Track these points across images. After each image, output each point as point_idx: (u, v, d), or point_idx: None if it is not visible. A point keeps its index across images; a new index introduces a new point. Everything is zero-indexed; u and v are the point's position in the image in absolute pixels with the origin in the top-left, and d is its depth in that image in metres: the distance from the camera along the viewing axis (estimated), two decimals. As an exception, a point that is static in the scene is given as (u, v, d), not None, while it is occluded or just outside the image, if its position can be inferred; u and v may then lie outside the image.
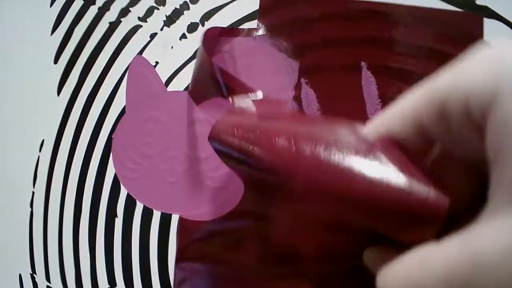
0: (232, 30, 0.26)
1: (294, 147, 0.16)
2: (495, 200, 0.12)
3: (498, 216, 0.12)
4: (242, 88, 0.24)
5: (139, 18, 0.28)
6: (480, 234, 0.12)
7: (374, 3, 0.26)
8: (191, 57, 0.27)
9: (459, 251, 0.12)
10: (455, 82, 0.13)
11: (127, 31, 0.28)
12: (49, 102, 0.28)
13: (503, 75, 0.12)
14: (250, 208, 0.25)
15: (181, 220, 0.26)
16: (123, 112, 0.27)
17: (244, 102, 0.23)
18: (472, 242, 0.12)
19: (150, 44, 0.28)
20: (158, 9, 0.28)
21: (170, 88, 0.27)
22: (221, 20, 0.27)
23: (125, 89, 0.27)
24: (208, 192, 0.26)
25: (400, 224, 0.14)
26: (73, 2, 0.29)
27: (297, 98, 0.26)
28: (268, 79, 0.26)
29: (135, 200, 0.27)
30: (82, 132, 0.28)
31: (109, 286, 0.27)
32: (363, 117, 0.25)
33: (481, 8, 0.26)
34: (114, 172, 0.27)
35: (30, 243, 0.28)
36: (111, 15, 0.28)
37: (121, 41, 0.28)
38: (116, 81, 0.28)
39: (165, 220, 0.26)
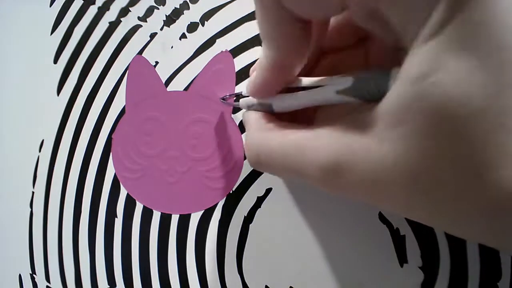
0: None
1: None
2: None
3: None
4: None
5: (139, 18, 0.28)
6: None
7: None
8: (191, 57, 0.27)
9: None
10: None
11: (127, 31, 0.28)
12: (49, 102, 0.28)
13: None
14: None
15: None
16: (123, 112, 0.27)
17: None
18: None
19: (150, 44, 0.27)
20: (158, 8, 0.28)
21: (170, 88, 0.27)
22: (221, 20, 0.27)
23: (125, 89, 0.27)
24: (207, 192, 0.26)
25: None
26: (73, 2, 0.29)
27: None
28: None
29: (135, 200, 0.27)
30: (82, 132, 0.28)
31: (108, 286, 0.27)
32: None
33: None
34: (114, 172, 0.27)
35: (30, 243, 0.28)
36: (111, 15, 0.28)
37: (121, 41, 0.28)
38: (116, 81, 0.28)
39: (165, 220, 0.26)
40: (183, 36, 0.27)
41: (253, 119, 0.19)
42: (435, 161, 0.11)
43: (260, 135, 0.18)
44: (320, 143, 0.14)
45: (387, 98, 0.13)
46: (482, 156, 0.11)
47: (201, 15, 0.27)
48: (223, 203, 0.26)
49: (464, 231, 0.13)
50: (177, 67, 0.27)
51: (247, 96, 0.21)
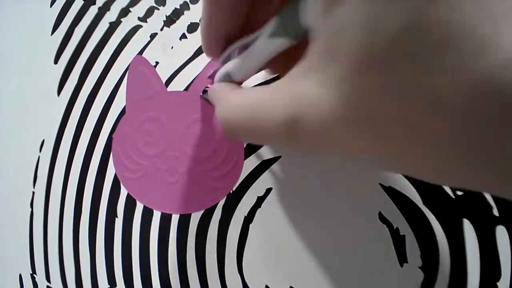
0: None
1: None
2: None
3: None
4: None
5: (139, 18, 0.28)
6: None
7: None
8: (191, 57, 0.27)
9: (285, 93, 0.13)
10: None
11: (127, 31, 0.28)
12: (49, 102, 0.28)
13: None
14: None
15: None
16: (123, 112, 0.27)
17: None
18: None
19: (150, 44, 0.28)
20: (158, 9, 0.28)
21: (170, 88, 0.27)
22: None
23: (125, 89, 0.27)
24: (207, 192, 0.26)
25: None
26: (73, 2, 0.29)
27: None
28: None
29: (135, 200, 0.27)
30: (82, 132, 0.28)
31: (109, 286, 0.27)
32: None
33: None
34: (114, 172, 0.27)
35: (30, 243, 0.28)
36: (111, 15, 0.28)
37: (121, 41, 0.28)
38: (116, 81, 0.28)
39: (165, 220, 0.26)
40: (183, 36, 0.27)
41: (219, 86, 0.19)
42: (381, 94, 0.10)
43: (225, 98, 0.17)
44: (275, 97, 0.14)
45: (314, 38, 0.12)
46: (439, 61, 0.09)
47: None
48: (223, 203, 0.26)
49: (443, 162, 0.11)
50: (177, 67, 0.27)
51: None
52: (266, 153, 0.25)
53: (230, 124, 0.16)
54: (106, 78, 0.28)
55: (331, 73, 0.11)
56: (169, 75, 0.27)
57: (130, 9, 0.28)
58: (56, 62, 0.29)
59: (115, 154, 0.27)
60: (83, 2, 0.29)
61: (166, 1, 0.27)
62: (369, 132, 0.11)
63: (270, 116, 0.14)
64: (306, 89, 0.12)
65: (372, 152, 0.12)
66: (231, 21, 0.18)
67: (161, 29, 0.27)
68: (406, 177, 0.23)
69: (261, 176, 0.25)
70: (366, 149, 0.12)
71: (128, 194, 0.27)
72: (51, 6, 0.29)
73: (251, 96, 0.15)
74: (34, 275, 0.28)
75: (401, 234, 0.23)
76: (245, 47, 0.17)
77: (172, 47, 0.27)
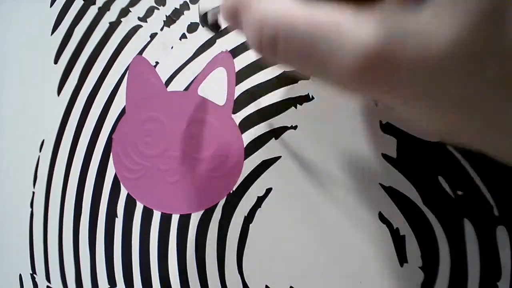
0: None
1: None
2: None
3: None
4: None
5: (139, 18, 0.28)
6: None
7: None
8: (191, 57, 0.27)
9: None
10: None
11: (127, 31, 0.28)
12: (49, 102, 0.28)
13: None
14: None
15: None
16: (123, 112, 0.27)
17: None
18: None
19: (150, 44, 0.28)
20: (158, 9, 0.28)
21: (170, 88, 0.27)
22: (221, 20, 0.27)
23: (125, 89, 0.27)
24: (207, 192, 0.26)
25: None
26: (73, 2, 0.29)
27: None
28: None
29: (135, 200, 0.27)
30: (82, 132, 0.28)
31: (109, 286, 0.27)
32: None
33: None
34: (114, 172, 0.27)
35: (30, 243, 0.28)
36: (111, 15, 0.28)
37: (121, 41, 0.28)
38: (116, 81, 0.28)
39: (165, 220, 0.26)
40: (183, 36, 0.27)
41: None
42: None
43: (278, 5, 0.13)
44: (361, 19, 0.12)
45: None
46: None
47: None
48: (223, 203, 0.26)
49: None
50: (177, 67, 0.27)
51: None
52: (266, 152, 0.25)
53: (280, 32, 0.13)
54: (106, 78, 0.28)
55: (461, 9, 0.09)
56: (169, 75, 0.27)
57: (130, 9, 0.28)
58: (56, 62, 0.29)
59: (115, 154, 0.27)
60: (83, 2, 0.29)
61: (166, 1, 0.27)
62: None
63: (350, 39, 0.12)
64: (411, 17, 0.10)
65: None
66: None
67: (161, 29, 0.27)
68: (406, 177, 0.23)
69: (261, 176, 0.25)
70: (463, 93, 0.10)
71: (128, 194, 0.27)
72: (51, 6, 0.29)
73: (321, 12, 0.12)
74: (34, 275, 0.28)
75: (401, 234, 0.23)
76: None
77: (172, 47, 0.27)
